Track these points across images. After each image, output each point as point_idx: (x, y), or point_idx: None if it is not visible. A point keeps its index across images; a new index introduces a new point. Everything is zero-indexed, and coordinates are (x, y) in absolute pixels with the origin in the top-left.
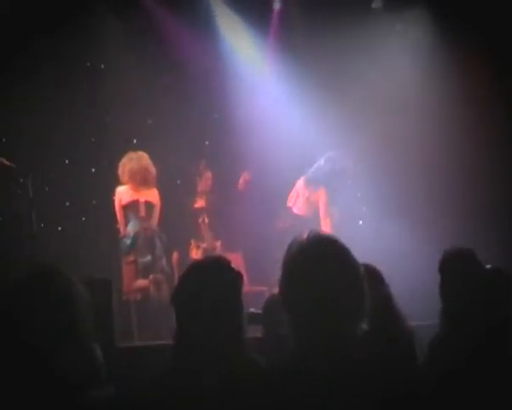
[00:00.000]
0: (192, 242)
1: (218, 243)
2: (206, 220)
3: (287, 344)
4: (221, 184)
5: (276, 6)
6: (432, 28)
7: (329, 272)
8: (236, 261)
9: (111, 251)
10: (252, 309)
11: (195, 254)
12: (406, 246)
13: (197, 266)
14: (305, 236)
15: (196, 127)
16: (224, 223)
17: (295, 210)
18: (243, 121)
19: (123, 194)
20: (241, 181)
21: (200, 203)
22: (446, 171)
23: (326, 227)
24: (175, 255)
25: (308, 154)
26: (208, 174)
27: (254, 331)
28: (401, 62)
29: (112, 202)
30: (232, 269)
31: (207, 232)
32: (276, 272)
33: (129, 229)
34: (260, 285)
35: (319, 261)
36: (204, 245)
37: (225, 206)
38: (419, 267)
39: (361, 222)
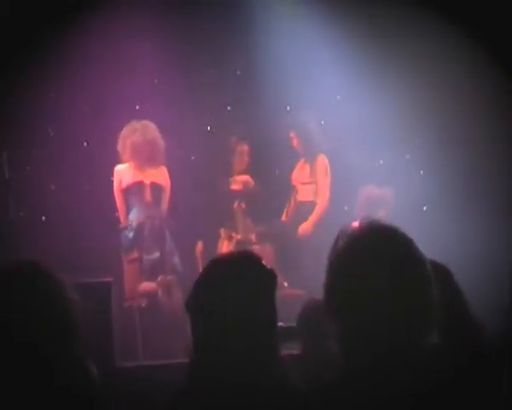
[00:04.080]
0: (222, 231)
1: (254, 235)
2: (243, 206)
3: (331, 362)
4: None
5: None
6: None
7: (388, 269)
8: (269, 256)
9: (108, 246)
10: (280, 323)
11: (226, 246)
12: (481, 238)
13: (219, 264)
14: (355, 224)
15: (215, 88)
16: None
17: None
18: (272, 80)
19: (123, 174)
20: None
21: (235, 185)
22: None
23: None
24: (199, 247)
25: (355, 123)
26: (244, 148)
27: (288, 348)
28: None
29: (109, 185)
30: (264, 267)
31: (243, 220)
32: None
33: (131, 218)
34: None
35: (375, 256)
36: (238, 236)
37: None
38: (498, 265)
39: (425, 208)
